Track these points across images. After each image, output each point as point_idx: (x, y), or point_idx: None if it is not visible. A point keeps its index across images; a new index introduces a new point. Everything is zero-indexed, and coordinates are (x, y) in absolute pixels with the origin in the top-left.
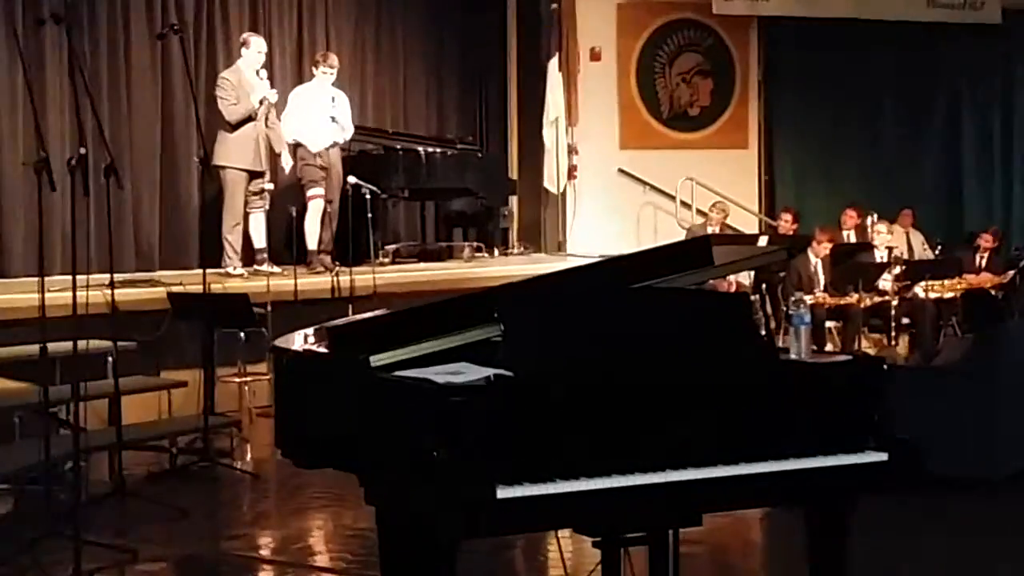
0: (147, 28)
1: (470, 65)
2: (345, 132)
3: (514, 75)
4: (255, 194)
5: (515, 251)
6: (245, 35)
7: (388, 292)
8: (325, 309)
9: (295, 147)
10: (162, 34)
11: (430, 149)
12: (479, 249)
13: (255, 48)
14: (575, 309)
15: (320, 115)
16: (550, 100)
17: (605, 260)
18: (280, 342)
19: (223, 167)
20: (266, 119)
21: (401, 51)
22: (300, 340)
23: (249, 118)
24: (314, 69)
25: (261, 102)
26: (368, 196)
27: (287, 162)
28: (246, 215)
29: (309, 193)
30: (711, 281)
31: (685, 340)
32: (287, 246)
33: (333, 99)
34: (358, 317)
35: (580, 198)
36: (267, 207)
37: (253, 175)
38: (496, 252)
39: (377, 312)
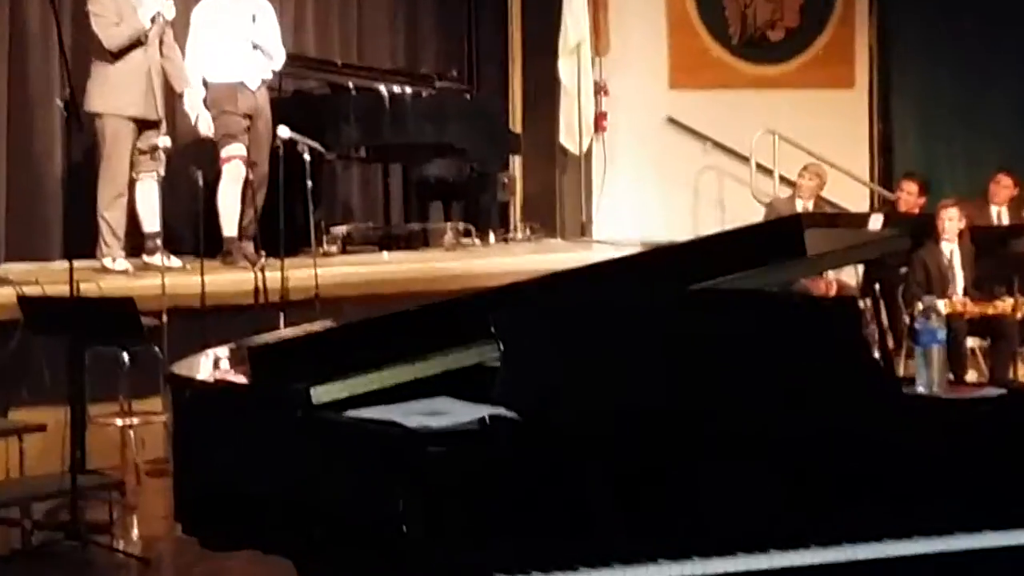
0: None
1: None
2: (273, 62)
3: None
4: (145, 153)
5: (518, 236)
6: None
7: (336, 295)
8: (246, 320)
9: (203, 86)
10: None
11: (396, 89)
12: (467, 233)
13: None
14: (605, 322)
15: (237, 38)
16: (568, 18)
17: (649, 251)
18: (180, 367)
19: (99, 114)
20: (160, 45)
21: None
22: (209, 365)
23: (137, 43)
24: None
25: (153, 20)
26: (308, 157)
27: (192, 107)
28: (132, 184)
29: (225, 152)
30: (803, 280)
31: (764, 366)
32: (190, 229)
33: (254, 17)
34: (293, 332)
35: (612, 160)
36: (162, 172)
37: (143, 126)
38: (492, 238)
39: (321, 324)
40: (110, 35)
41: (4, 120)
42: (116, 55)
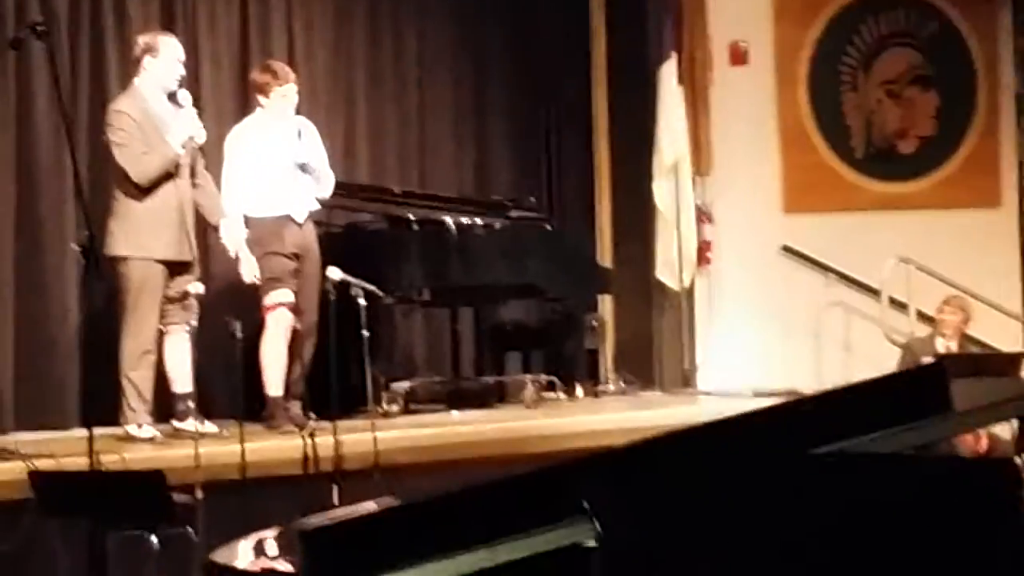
0: None
1: (529, 83)
2: (321, 187)
3: (601, 96)
4: (175, 301)
5: (610, 389)
6: (149, 37)
7: (399, 463)
8: (294, 494)
9: (243, 224)
10: (17, 39)
11: (464, 220)
12: (550, 387)
13: (167, 55)
14: (718, 496)
15: (281, 164)
16: (663, 133)
17: (764, 408)
18: (219, 555)
19: (124, 258)
20: (192, 174)
21: (413, 60)
22: (252, 551)
23: (167, 175)
24: (262, 96)
25: (184, 146)
26: (363, 302)
27: (231, 240)
28: (161, 337)
29: (269, 299)
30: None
31: (905, 544)
32: (228, 388)
33: (299, 133)
34: (350, 510)
35: (719, 297)
36: (194, 323)
37: (175, 270)
38: (579, 391)
39: (382, 501)
40: (141, 168)
41: (11, 268)
42: (146, 190)
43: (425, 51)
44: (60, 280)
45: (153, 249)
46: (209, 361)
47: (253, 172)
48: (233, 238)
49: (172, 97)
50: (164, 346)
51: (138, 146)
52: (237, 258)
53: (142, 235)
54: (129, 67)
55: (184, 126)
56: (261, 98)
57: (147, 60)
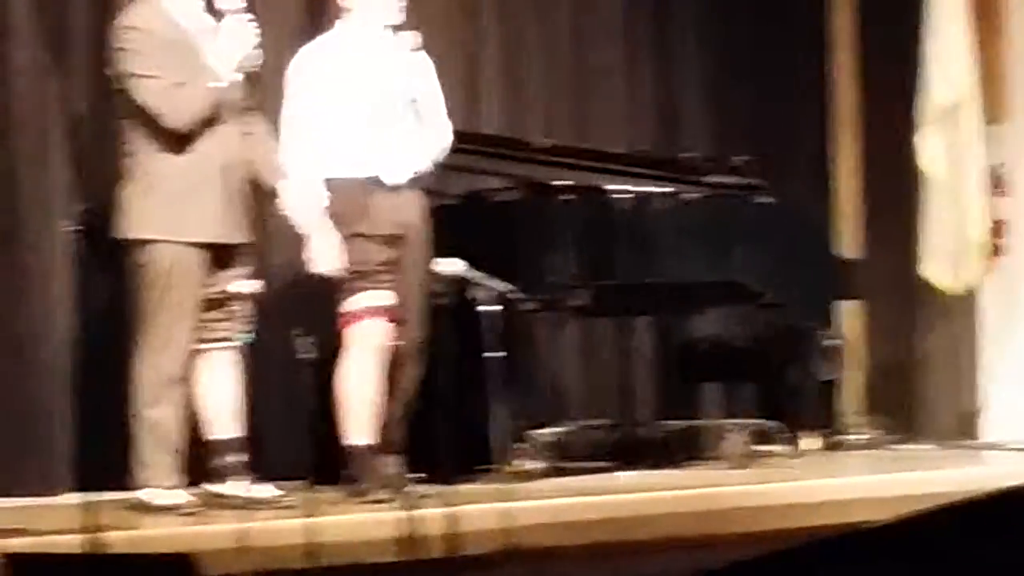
0: None
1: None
2: (432, 138)
3: (844, 10)
4: (216, 307)
5: (854, 439)
6: None
7: (539, 547)
8: None
9: (319, 188)
10: None
11: (640, 188)
12: (764, 436)
13: None
14: None
15: (371, 100)
16: (934, 65)
17: None
18: None
19: (142, 242)
20: (241, 116)
21: None
22: None
23: (208, 119)
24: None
25: (238, 70)
26: (490, 308)
27: (297, 215)
28: (194, 359)
29: (351, 303)
30: None
31: None
32: (291, 435)
33: (403, 58)
34: None
35: (1017, 305)
36: (247, 338)
37: (218, 258)
38: (808, 443)
39: None
40: (175, 105)
41: None
42: (179, 140)
43: None
44: (43, 278)
45: (186, 228)
46: (265, 395)
47: (328, 115)
48: (302, 208)
49: (209, 5)
50: (199, 372)
51: (168, 75)
52: (307, 239)
53: (171, 208)
54: None
55: (231, 43)
56: (343, 1)
57: None
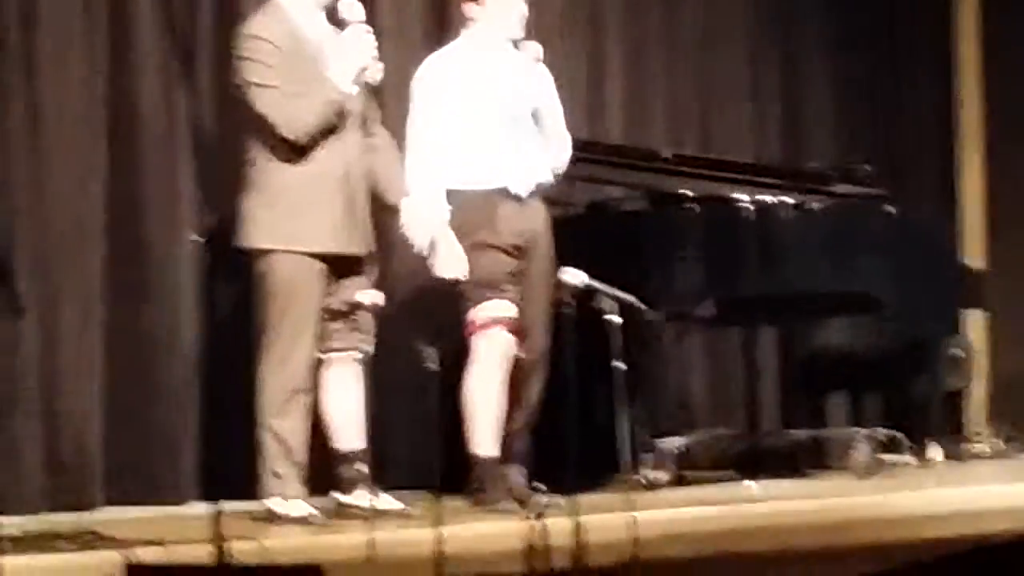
0: None
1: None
2: (554, 151)
3: (969, 14)
4: (340, 317)
5: (985, 450)
6: None
7: (667, 559)
8: None
9: (443, 201)
10: None
11: (767, 198)
12: (891, 446)
13: None
14: None
15: (496, 111)
16: None
17: None
18: None
19: (263, 252)
20: (364, 127)
21: None
22: None
23: (330, 129)
24: (472, 3)
25: (356, 82)
26: (617, 319)
27: (417, 234)
28: (319, 370)
29: (476, 314)
30: None
31: None
32: (417, 446)
33: (528, 69)
34: None
35: None
36: (370, 349)
37: (338, 268)
38: (936, 453)
39: None
40: (293, 116)
41: (98, 271)
42: (299, 151)
43: None
44: (170, 288)
45: (307, 239)
46: (389, 406)
47: (455, 126)
48: (422, 224)
49: (332, 15)
50: (324, 383)
51: (289, 85)
52: (432, 248)
53: (292, 218)
54: None
55: (352, 54)
56: (470, 8)
57: None
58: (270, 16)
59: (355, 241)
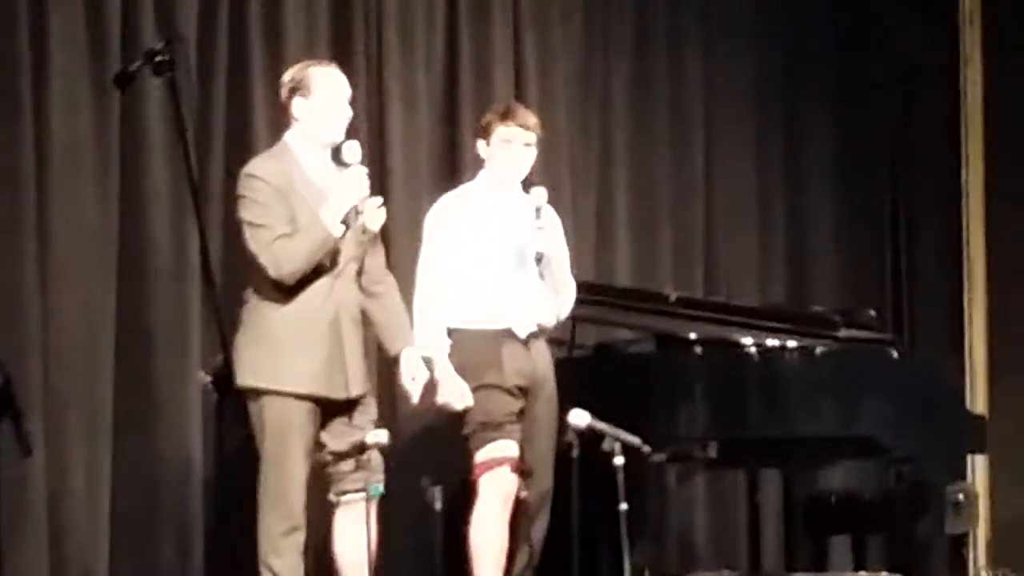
0: (88, 61)
1: (862, 141)
2: (559, 296)
3: (975, 151)
4: (346, 458)
5: None
6: (297, 70)
7: None
8: None
9: (445, 337)
10: (126, 74)
11: (771, 342)
12: None
13: (324, 93)
14: None
15: (504, 250)
16: None
17: None
18: None
19: (254, 391)
20: (358, 272)
21: (698, 107)
22: None
23: (321, 267)
24: (482, 141)
25: (346, 223)
26: (619, 460)
27: (414, 385)
28: (330, 511)
29: (482, 455)
30: None
31: None
32: None
33: (538, 211)
34: None
35: None
36: (380, 486)
37: (329, 410)
38: None
39: None
40: (278, 255)
41: (108, 405)
42: (287, 291)
43: (714, 92)
44: (179, 424)
45: (292, 380)
46: (393, 542)
47: (464, 265)
48: (422, 372)
49: (337, 153)
50: (337, 525)
51: (279, 225)
52: (433, 383)
53: (278, 358)
54: (280, 116)
55: (344, 195)
56: (482, 144)
57: (296, 103)
58: (273, 158)
59: (341, 384)
